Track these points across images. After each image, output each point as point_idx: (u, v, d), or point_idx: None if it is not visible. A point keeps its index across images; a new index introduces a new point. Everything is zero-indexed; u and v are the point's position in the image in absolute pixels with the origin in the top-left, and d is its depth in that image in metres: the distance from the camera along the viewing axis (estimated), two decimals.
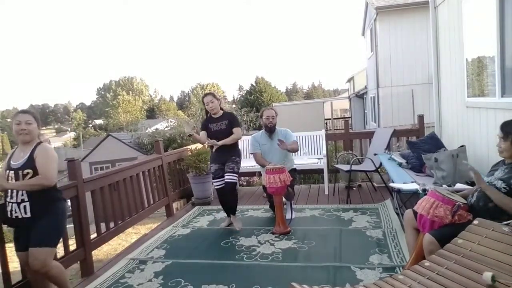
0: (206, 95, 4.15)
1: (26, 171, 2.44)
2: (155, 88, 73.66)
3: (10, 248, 2.74)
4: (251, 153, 4.60)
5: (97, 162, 17.68)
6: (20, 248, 2.51)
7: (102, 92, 57.04)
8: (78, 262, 3.29)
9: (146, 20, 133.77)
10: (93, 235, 3.57)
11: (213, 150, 4.13)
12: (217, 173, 4.10)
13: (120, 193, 3.99)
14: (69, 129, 55.75)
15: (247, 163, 5.49)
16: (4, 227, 2.68)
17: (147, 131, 13.80)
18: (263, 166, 4.29)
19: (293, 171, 4.46)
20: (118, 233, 3.98)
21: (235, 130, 4.06)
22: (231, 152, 4.09)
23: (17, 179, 2.44)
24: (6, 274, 2.59)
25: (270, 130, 4.46)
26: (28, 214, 2.44)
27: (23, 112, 2.58)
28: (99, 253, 6.12)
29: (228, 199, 4.12)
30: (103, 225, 3.72)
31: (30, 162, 2.47)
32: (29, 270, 2.54)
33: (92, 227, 3.64)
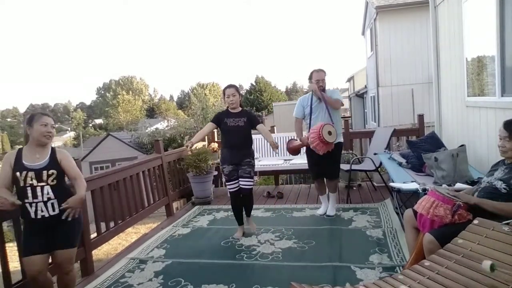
0: (229, 86, 3.83)
1: (51, 171, 2.41)
2: (154, 88, 73.51)
3: (10, 248, 2.74)
4: (295, 116, 4.31)
5: (97, 162, 17.65)
6: (37, 250, 2.37)
7: (102, 92, 56.97)
8: (78, 261, 3.28)
9: (146, 20, 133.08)
10: (93, 235, 3.58)
11: (225, 149, 3.80)
12: (231, 175, 3.77)
13: (120, 192, 3.99)
14: (69, 128, 55.62)
15: None
16: (4, 227, 2.68)
17: (147, 130, 13.80)
18: (298, 136, 4.23)
19: (338, 148, 4.11)
20: (118, 233, 3.98)
21: (260, 127, 3.81)
22: (246, 153, 3.78)
23: (39, 179, 2.37)
24: (6, 273, 2.58)
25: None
26: (57, 211, 2.40)
27: (48, 115, 2.57)
28: (99, 253, 6.12)
29: (245, 203, 3.89)
30: (103, 225, 3.72)
31: (54, 164, 2.45)
32: (40, 276, 2.38)
33: (92, 227, 3.65)
